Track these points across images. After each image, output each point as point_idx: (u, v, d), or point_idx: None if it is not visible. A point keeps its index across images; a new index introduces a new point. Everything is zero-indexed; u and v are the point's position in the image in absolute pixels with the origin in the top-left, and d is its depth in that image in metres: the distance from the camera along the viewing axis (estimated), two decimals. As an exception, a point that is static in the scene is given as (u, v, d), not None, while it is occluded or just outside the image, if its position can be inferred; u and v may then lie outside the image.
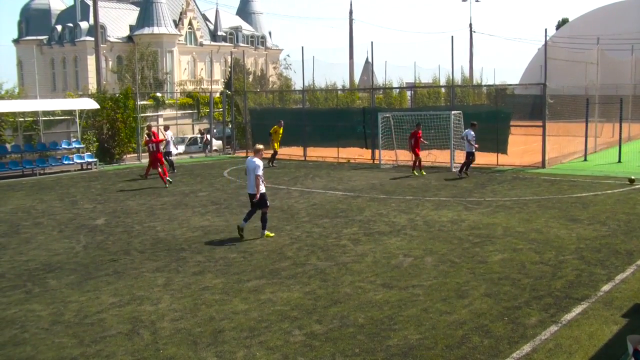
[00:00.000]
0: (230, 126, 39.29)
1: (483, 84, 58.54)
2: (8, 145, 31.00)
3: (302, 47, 34.38)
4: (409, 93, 51.08)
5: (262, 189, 14.93)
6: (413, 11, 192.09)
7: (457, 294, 10.52)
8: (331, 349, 8.43)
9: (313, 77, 38.92)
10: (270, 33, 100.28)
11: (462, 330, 8.96)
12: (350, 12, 58.61)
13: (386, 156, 30.17)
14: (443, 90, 51.57)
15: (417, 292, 10.68)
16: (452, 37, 29.91)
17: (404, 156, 29.85)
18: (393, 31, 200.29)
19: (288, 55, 66.86)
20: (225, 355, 8.32)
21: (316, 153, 33.41)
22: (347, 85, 53.07)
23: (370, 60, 40.26)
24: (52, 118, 33.83)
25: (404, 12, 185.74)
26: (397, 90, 50.54)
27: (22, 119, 32.07)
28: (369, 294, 10.59)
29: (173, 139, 30.48)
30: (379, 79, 49.90)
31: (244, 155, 35.78)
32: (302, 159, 32.97)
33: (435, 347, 8.44)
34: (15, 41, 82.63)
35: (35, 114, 32.27)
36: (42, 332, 9.36)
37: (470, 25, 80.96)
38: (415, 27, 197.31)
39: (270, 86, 63.32)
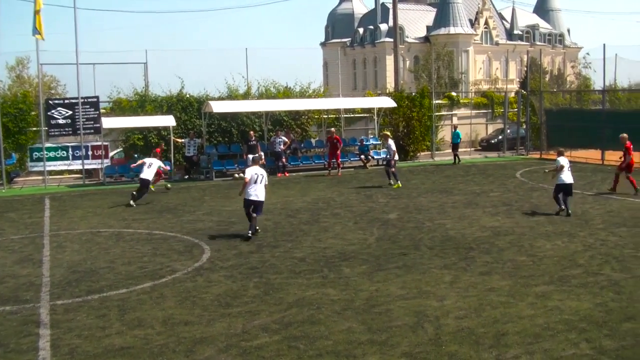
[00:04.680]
0: (524, 127, 38.42)
1: None
2: (313, 140, 33.50)
3: (604, 45, 32.57)
4: None
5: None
6: None
7: None
8: (622, 365, 7.99)
9: (615, 76, 36.59)
10: (568, 30, 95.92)
11: None
12: (663, 5, 53.79)
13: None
14: None
15: None
16: None
17: None
18: None
19: (587, 54, 62.91)
20: (506, 359, 8.26)
21: (615, 157, 31.29)
22: (654, 84, 48.95)
23: (683, 57, 36.80)
24: (352, 115, 35.85)
25: None
26: None
27: (326, 116, 34.41)
28: (668, 312, 9.82)
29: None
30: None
31: (538, 156, 34.80)
32: (600, 162, 31.18)
33: None
34: (322, 44, 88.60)
35: (337, 111, 34.44)
36: (335, 315, 10.06)
37: None
38: None
39: (567, 86, 60.57)
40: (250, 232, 15.89)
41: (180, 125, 29.79)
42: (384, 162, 26.76)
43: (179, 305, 10.77)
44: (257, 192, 15.91)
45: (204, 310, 10.46)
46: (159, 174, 23.60)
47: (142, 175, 21.93)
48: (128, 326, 9.79)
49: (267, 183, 16.27)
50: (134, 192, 21.97)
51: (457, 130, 33.43)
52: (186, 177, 28.88)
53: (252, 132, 29.37)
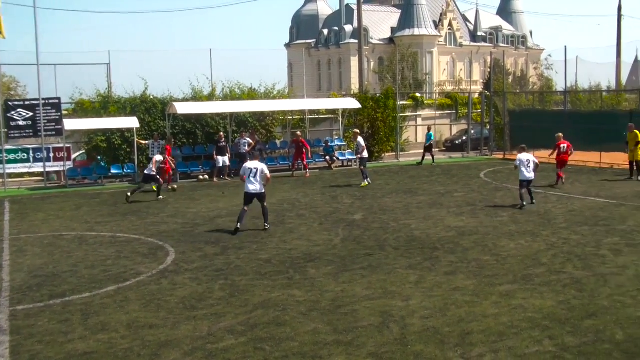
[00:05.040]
0: (488, 127, 38.81)
1: None
2: (278, 142, 33.41)
3: (565, 47, 33.06)
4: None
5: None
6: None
7: None
8: (584, 362, 8.09)
9: (576, 78, 37.18)
10: (531, 32, 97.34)
11: None
12: (619, 9, 54.48)
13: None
14: None
15: (685, 311, 9.84)
16: None
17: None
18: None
19: (550, 55, 64.13)
20: (472, 357, 8.33)
21: (577, 157, 31.84)
22: (613, 86, 49.82)
23: (639, 59, 37.48)
24: (317, 117, 35.85)
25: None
26: (672, 91, 46.35)
27: (291, 117, 34.35)
28: (629, 310, 9.97)
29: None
30: (650, 79, 46.21)
31: (501, 157, 35.17)
32: (562, 162, 31.58)
33: None
34: (287, 45, 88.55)
35: (302, 112, 34.41)
36: (301, 316, 10.05)
37: None
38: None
39: (530, 87, 61.37)
40: (265, 224, 16.92)
41: (144, 127, 29.47)
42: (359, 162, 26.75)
43: (143, 308, 10.66)
44: (255, 185, 16.57)
45: (169, 313, 10.37)
46: (166, 170, 24.93)
47: (146, 171, 23.43)
48: (91, 331, 9.65)
49: (268, 175, 16.84)
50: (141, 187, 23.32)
51: (430, 132, 33.66)
52: (150, 179, 28.58)
53: (221, 134, 29.25)
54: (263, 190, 16.78)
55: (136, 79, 31.46)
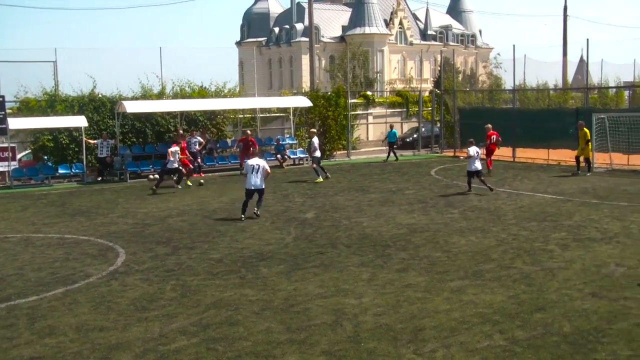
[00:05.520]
0: (438, 125, 39.19)
1: None
2: (229, 140, 33.21)
3: (514, 46, 33.56)
4: (626, 93, 47.71)
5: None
6: (634, 5, 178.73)
7: (676, 310, 9.78)
8: (533, 356, 8.19)
9: (524, 76, 37.71)
10: (480, 31, 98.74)
11: (680, 349, 8.34)
12: (565, 8, 55.59)
13: (600, 159, 28.55)
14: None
15: (629, 304, 10.06)
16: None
17: (619, 159, 28.10)
18: (611, 27, 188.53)
19: (498, 54, 64.99)
20: (424, 353, 8.39)
21: (525, 154, 32.43)
22: (560, 84, 50.81)
23: (585, 58, 38.29)
24: (268, 115, 35.76)
25: (624, 6, 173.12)
26: (614, 90, 47.42)
27: (242, 116, 34.19)
28: (576, 303, 10.17)
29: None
30: (594, 78, 47.15)
31: (452, 154, 35.57)
32: (511, 159, 32.14)
33: (648, 363, 7.94)
34: (238, 43, 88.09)
35: (253, 111, 34.27)
36: (253, 315, 9.99)
37: None
38: (636, 22, 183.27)
39: (479, 85, 62.21)
40: (256, 209, 18.09)
41: (93, 126, 28.99)
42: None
43: (93, 310, 10.47)
44: (257, 181, 17.88)
45: (119, 315, 10.20)
46: (185, 163, 25.37)
47: (168, 165, 24.25)
48: (38, 335, 9.43)
49: (268, 170, 18.30)
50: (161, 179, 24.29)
51: (394, 129, 34.08)
52: (99, 178, 28.15)
53: (180, 131, 29.04)
54: (263, 186, 18.16)
55: (84, 77, 30.84)
